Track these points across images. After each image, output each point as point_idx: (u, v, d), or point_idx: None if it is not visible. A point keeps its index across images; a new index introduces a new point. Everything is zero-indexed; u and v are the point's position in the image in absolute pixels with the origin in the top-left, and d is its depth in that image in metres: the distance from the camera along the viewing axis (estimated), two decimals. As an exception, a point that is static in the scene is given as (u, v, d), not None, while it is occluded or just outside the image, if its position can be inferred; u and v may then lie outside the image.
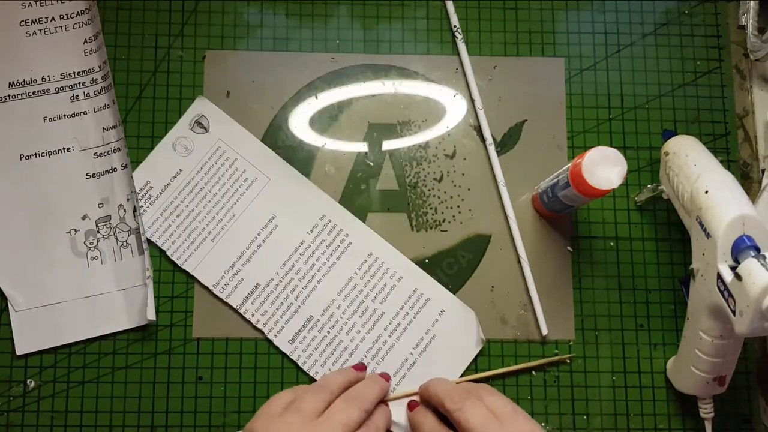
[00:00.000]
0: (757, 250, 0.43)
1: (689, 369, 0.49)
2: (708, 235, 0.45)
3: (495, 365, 0.53)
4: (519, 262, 0.54)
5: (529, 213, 0.55)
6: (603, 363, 0.54)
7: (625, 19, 0.59)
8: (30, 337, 0.52)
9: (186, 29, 0.57)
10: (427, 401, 0.49)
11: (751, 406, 0.54)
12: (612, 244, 0.55)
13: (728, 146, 0.57)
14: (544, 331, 0.53)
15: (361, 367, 0.51)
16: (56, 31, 0.55)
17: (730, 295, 0.42)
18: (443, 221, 0.55)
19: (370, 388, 0.48)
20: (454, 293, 0.54)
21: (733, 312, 0.42)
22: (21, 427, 0.51)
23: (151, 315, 0.51)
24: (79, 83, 0.55)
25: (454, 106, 0.57)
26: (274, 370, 0.53)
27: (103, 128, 0.55)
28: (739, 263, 0.42)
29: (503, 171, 0.56)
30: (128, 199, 0.54)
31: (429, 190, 0.56)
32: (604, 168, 0.45)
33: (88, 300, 0.53)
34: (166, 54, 0.56)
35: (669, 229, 0.56)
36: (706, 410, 0.51)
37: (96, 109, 0.55)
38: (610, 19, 0.59)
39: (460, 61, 0.57)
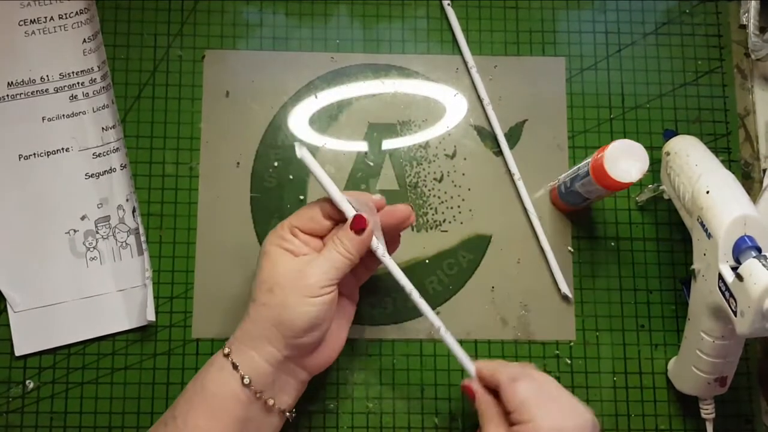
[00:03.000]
0: (759, 250, 0.43)
1: (690, 370, 0.49)
2: (709, 236, 0.45)
3: (495, 366, 0.53)
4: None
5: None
6: (604, 363, 0.54)
7: (626, 18, 0.59)
8: (29, 337, 0.52)
9: (185, 29, 0.57)
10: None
11: (752, 407, 0.53)
12: (613, 244, 0.55)
13: (729, 146, 0.57)
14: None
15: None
16: (55, 31, 0.55)
17: (732, 295, 0.42)
18: (443, 221, 0.55)
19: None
20: (454, 294, 0.54)
21: (735, 312, 0.42)
22: (20, 428, 0.51)
23: (151, 316, 0.51)
24: (78, 83, 0.55)
25: (454, 106, 0.56)
26: (274, 370, 0.52)
27: (102, 128, 0.54)
28: (740, 263, 0.42)
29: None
30: (127, 200, 0.54)
31: (429, 190, 0.55)
32: (626, 161, 0.45)
33: (87, 301, 0.52)
34: (165, 54, 0.56)
35: (670, 229, 0.55)
36: (708, 411, 0.51)
37: (95, 109, 0.55)
38: (611, 18, 0.58)
39: (463, 60, 0.57)
